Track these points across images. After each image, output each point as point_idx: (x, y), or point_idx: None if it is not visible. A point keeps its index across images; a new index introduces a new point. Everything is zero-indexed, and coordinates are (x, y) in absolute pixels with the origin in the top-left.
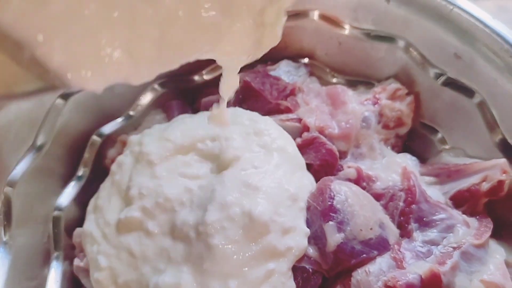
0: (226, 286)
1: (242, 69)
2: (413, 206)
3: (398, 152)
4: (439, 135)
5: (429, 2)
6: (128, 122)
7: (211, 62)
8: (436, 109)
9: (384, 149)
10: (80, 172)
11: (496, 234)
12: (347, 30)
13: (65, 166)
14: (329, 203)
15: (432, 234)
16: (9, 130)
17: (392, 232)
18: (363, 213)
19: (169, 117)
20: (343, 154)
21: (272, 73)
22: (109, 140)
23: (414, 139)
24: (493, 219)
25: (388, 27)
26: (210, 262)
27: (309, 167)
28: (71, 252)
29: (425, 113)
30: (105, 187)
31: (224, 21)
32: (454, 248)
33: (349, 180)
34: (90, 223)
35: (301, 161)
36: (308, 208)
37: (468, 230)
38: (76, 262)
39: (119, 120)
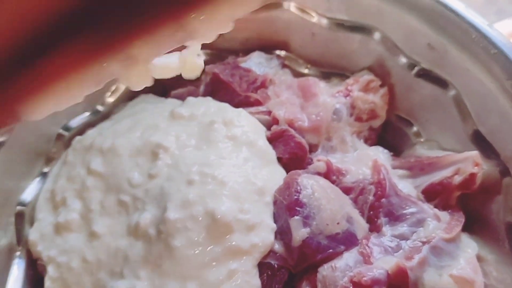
0: None
1: (212, 61)
2: (383, 200)
3: (372, 145)
4: (414, 128)
5: None
6: (96, 116)
7: None
8: (411, 101)
9: (356, 142)
10: (45, 168)
11: (469, 229)
12: (320, 20)
13: (29, 161)
14: (295, 197)
15: (401, 228)
16: None
17: (360, 226)
18: (330, 207)
19: None
20: (313, 147)
21: (242, 64)
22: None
23: (389, 132)
24: (466, 213)
25: (362, 18)
26: (170, 263)
27: (278, 160)
28: None
29: (400, 106)
30: (46, 188)
31: None
32: (423, 243)
33: (319, 173)
34: (35, 229)
35: (272, 155)
36: (275, 203)
37: (439, 224)
38: (40, 260)
39: (87, 114)
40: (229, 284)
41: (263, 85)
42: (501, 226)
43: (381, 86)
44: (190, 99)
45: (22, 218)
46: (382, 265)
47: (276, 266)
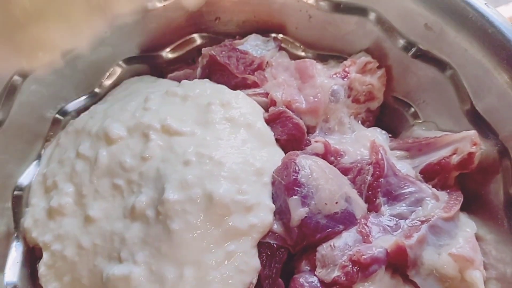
0: (180, 274)
1: (209, 45)
2: (381, 180)
3: (370, 127)
4: (412, 109)
5: None
6: (94, 99)
7: (176, 39)
8: (408, 82)
9: (354, 123)
10: (43, 151)
11: (468, 208)
12: (317, 2)
13: (27, 144)
14: (293, 177)
15: (400, 208)
16: None
17: (359, 206)
18: (329, 187)
19: None
20: (311, 129)
21: (239, 47)
22: None
23: (386, 114)
24: (464, 193)
25: None
26: (168, 247)
27: (276, 142)
28: None
29: (397, 87)
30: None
31: None
32: (422, 222)
33: (317, 154)
34: (28, 215)
35: (270, 136)
36: (273, 183)
37: (437, 203)
38: (37, 245)
39: (84, 97)
40: (228, 266)
41: (260, 67)
42: (499, 206)
43: (379, 67)
44: (185, 82)
45: (19, 203)
46: (382, 243)
47: (275, 246)
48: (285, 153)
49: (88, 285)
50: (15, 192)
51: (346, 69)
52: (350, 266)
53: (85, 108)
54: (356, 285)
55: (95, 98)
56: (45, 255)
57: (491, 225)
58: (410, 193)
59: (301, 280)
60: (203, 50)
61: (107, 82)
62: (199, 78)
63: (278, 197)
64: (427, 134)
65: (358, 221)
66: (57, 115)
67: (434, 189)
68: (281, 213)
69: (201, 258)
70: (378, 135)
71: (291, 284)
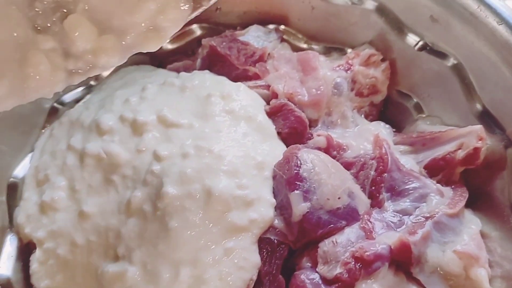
0: (176, 274)
1: (209, 36)
2: (385, 175)
3: (373, 121)
4: (416, 104)
5: None
6: (90, 91)
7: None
8: (412, 76)
9: (357, 117)
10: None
11: (472, 205)
12: None
13: (23, 134)
14: (295, 171)
15: (404, 203)
16: None
17: (362, 201)
18: (331, 182)
19: None
20: (313, 122)
21: (240, 38)
22: None
23: (390, 108)
24: (469, 190)
25: None
26: (165, 245)
27: (277, 135)
28: None
29: (401, 81)
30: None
31: None
32: (427, 218)
33: (319, 148)
34: (21, 210)
35: (272, 129)
36: (274, 177)
37: (442, 199)
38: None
39: (81, 88)
40: (227, 263)
41: (262, 59)
42: (505, 203)
43: (383, 60)
44: (184, 73)
45: (14, 196)
46: (385, 240)
47: (276, 241)
48: (287, 146)
49: (82, 283)
50: (10, 185)
51: (350, 61)
52: (353, 263)
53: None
54: (358, 282)
55: (93, 90)
56: (37, 251)
57: (496, 222)
58: (414, 188)
59: (302, 276)
60: (203, 41)
61: (105, 73)
62: (199, 70)
63: (279, 192)
64: (431, 128)
65: (361, 217)
66: (54, 106)
67: (438, 184)
68: (282, 208)
69: (198, 256)
70: (382, 129)
71: (292, 281)
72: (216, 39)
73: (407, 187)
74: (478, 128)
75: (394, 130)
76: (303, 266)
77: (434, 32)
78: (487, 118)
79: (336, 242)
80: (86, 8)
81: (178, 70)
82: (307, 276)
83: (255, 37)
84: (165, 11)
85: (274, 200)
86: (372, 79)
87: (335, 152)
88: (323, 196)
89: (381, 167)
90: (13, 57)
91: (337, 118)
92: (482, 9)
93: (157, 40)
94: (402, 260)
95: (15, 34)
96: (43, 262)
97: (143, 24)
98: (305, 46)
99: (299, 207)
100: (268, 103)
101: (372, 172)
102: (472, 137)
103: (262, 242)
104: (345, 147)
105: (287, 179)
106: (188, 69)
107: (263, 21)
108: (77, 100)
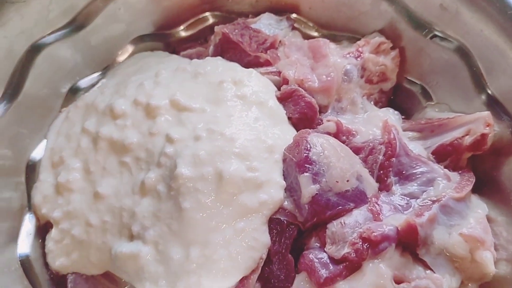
0: (187, 255)
1: (221, 23)
2: (393, 159)
3: (382, 108)
4: (425, 91)
5: None
6: (105, 75)
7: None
8: (422, 64)
9: (366, 104)
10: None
11: (479, 191)
12: None
13: (41, 117)
14: (305, 154)
15: (411, 187)
16: None
17: (370, 185)
18: (340, 165)
19: None
20: (323, 108)
21: (252, 25)
22: None
23: (399, 96)
24: (476, 174)
25: None
26: (178, 225)
27: (288, 120)
28: None
29: (411, 69)
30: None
31: None
32: (433, 201)
33: (328, 133)
34: (37, 191)
35: (282, 114)
36: (284, 160)
37: (449, 183)
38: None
39: (97, 74)
40: (237, 243)
41: (273, 46)
42: None
43: (392, 48)
44: (196, 60)
45: (32, 177)
46: (392, 222)
47: (285, 222)
48: (297, 131)
49: (96, 262)
50: (29, 166)
51: (360, 49)
52: (360, 243)
53: None
54: (365, 262)
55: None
56: (53, 231)
57: (502, 207)
58: (421, 173)
59: (310, 256)
60: (216, 28)
61: (120, 59)
62: (211, 56)
63: (289, 174)
64: (440, 115)
65: (369, 199)
66: (70, 90)
67: (446, 169)
68: (292, 190)
69: (209, 238)
70: (391, 115)
71: (300, 260)
72: (229, 26)
73: (414, 171)
74: (486, 114)
75: (403, 117)
76: (312, 246)
77: (443, 20)
78: (494, 105)
79: (344, 223)
80: None
81: (191, 57)
82: (316, 255)
83: (266, 25)
84: None
85: (284, 182)
86: (381, 67)
87: (344, 137)
88: (332, 179)
89: (389, 152)
90: None
91: (346, 104)
92: None
93: None
94: (409, 241)
95: None
96: (59, 241)
97: None
98: (316, 34)
99: (309, 189)
100: (279, 89)
101: (381, 157)
102: (480, 123)
103: (272, 223)
104: (354, 132)
105: (297, 162)
106: (200, 56)
107: (275, 10)
108: (93, 85)
